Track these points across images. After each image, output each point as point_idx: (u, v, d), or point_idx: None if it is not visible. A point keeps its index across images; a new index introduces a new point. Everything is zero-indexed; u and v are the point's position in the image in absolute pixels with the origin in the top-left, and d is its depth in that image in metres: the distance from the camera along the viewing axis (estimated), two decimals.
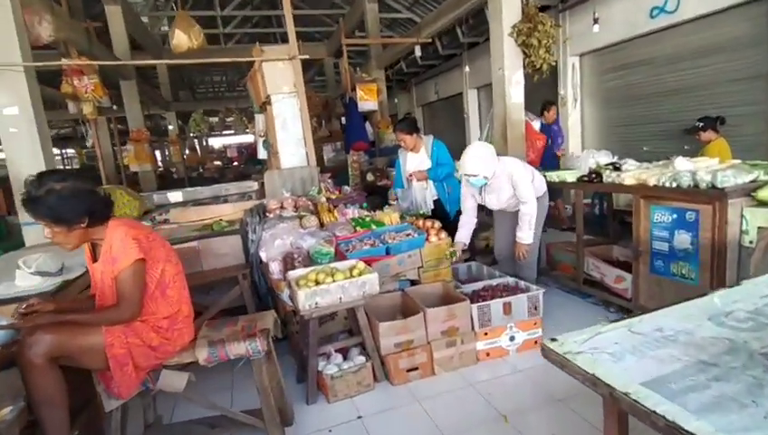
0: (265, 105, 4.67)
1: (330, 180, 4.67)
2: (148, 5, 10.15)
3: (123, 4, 7.50)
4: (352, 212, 3.65)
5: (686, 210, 2.73)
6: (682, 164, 2.93)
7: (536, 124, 5.39)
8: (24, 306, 1.78)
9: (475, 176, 3.14)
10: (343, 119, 8.10)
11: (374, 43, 8.42)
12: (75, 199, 1.71)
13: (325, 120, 9.62)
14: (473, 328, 2.86)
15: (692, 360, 1.17)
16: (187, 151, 17.36)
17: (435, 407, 2.50)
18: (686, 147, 5.41)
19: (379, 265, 3.03)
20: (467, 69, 9.03)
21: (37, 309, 1.79)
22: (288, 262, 2.99)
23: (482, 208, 3.58)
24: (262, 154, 5.66)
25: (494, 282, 3.27)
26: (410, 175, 3.96)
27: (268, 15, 11.63)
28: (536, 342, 2.98)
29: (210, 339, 2.06)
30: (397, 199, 4.06)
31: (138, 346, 1.82)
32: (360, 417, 2.46)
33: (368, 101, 6.87)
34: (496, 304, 2.88)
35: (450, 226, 3.59)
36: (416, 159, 3.98)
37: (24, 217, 3.11)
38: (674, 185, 2.79)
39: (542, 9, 5.06)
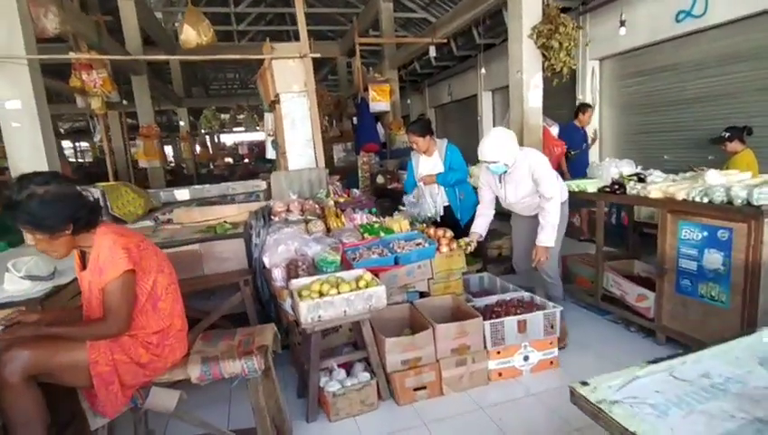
0: (274, 104, 4.54)
1: (338, 183, 4.53)
2: (161, 0, 10.11)
3: None
4: (360, 218, 3.50)
5: (718, 228, 2.54)
6: (714, 178, 2.73)
7: (554, 130, 5.20)
8: (6, 320, 1.65)
9: (494, 163, 2.96)
10: (355, 119, 7.97)
11: (388, 42, 8.27)
12: (58, 205, 1.58)
13: (336, 119, 9.51)
14: (485, 346, 2.69)
15: (748, 417, 1.00)
16: (198, 148, 17.38)
17: (442, 431, 2.34)
18: (710, 157, 5.19)
19: (387, 276, 2.89)
20: (483, 71, 8.83)
21: (19, 320, 1.67)
22: (292, 269, 2.85)
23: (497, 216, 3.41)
24: (270, 154, 5.54)
25: (507, 296, 3.10)
26: (421, 178, 3.81)
27: (282, 13, 11.54)
28: (552, 362, 2.81)
29: (204, 355, 1.92)
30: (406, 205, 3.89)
31: (124, 363, 1.69)
32: None
33: (380, 101, 6.72)
34: (510, 322, 2.71)
35: (462, 235, 3.43)
36: (428, 162, 3.83)
37: None
38: (705, 200, 2.60)
39: (563, 10, 4.87)
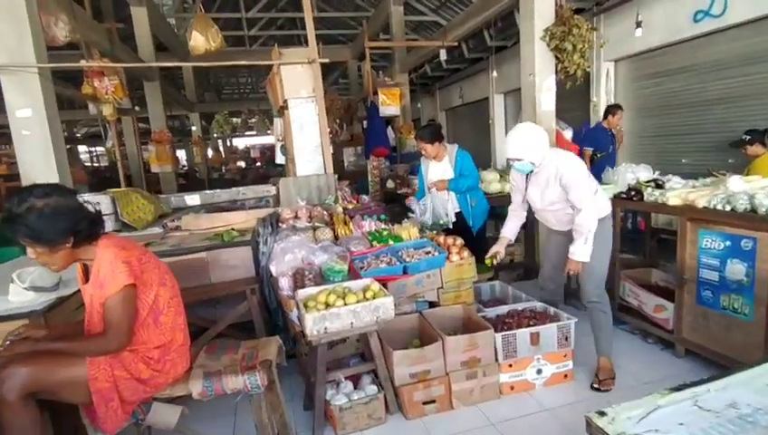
0: (283, 109, 4.51)
1: (347, 188, 4.48)
2: (174, 7, 10.20)
3: (149, 5, 7.50)
4: (369, 225, 3.45)
5: (742, 237, 2.43)
6: (736, 184, 2.62)
7: (567, 133, 5.09)
8: (14, 335, 1.63)
9: (518, 160, 2.61)
10: (365, 123, 7.93)
11: (398, 46, 8.22)
12: (57, 218, 1.55)
13: (347, 123, 9.48)
14: (496, 359, 2.62)
15: None
16: (210, 152, 17.53)
17: None
18: (730, 160, 5.03)
19: (396, 286, 2.83)
20: (494, 74, 8.72)
21: (28, 336, 1.65)
22: (298, 278, 2.80)
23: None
24: (280, 159, 5.51)
25: (519, 306, 3.02)
26: (431, 184, 3.74)
27: (293, 18, 11.58)
28: (566, 376, 2.72)
29: (207, 370, 1.88)
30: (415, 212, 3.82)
31: (124, 379, 1.65)
32: None
33: (390, 105, 6.65)
34: (523, 334, 2.63)
35: (473, 242, 3.35)
36: (438, 168, 3.76)
37: None
38: (727, 208, 2.50)
39: (577, 12, 4.77)
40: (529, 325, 2.73)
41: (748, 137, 4.23)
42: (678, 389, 1.15)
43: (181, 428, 1.86)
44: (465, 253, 3.03)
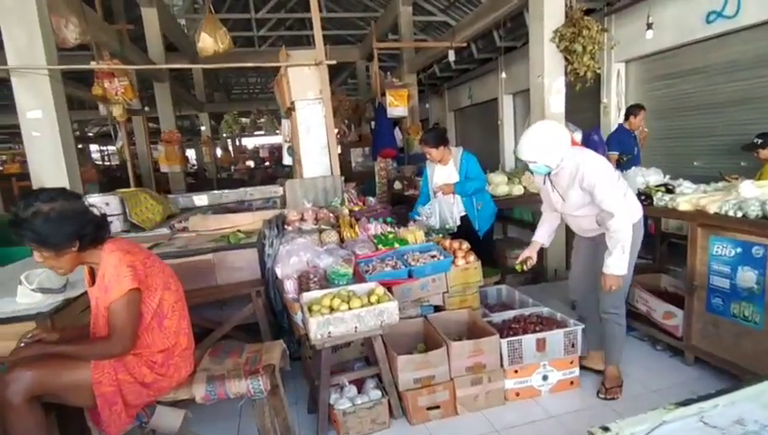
0: (290, 111, 4.52)
1: (353, 190, 4.47)
2: (184, 7, 10.27)
3: (159, 6, 7.55)
4: (375, 228, 3.43)
5: (753, 244, 2.38)
6: (749, 190, 2.57)
7: (577, 136, 5.01)
8: (28, 338, 1.64)
9: (532, 162, 2.42)
10: (373, 123, 7.92)
11: (407, 47, 8.20)
12: (63, 222, 1.56)
13: (355, 123, 9.48)
14: (501, 365, 2.59)
15: None
16: (219, 151, 17.64)
17: None
18: (742, 163, 4.96)
19: (401, 289, 2.82)
20: (503, 75, 8.67)
21: (41, 339, 1.66)
22: (303, 281, 2.80)
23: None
24: (287, 160, 5.52)
25: (526, 312, 2.99)
26: (437, 187, 3.72)
27: (302, 18, 11.60)
28: (572, 382, 2.69)
29: (210, 373, 1.88)
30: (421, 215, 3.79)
31: (128, 383, 1.66)
32: None
33: (397, 106, 6.64)
34: (529, 340, 2.60)
35: (479, 246, 3.32)
36: (444, 171, 3.74)
37: None
38: (739, 214, 2.45)
39: (587, 12, 4.72)
40: (535, 331, 2.70)
41: (760, 140, 4.17)
42: (685, 403, 1.13)
43: (184, 431, 1.87)
44: (471, 257, 3.01)
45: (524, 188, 4.63)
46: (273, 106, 13.92)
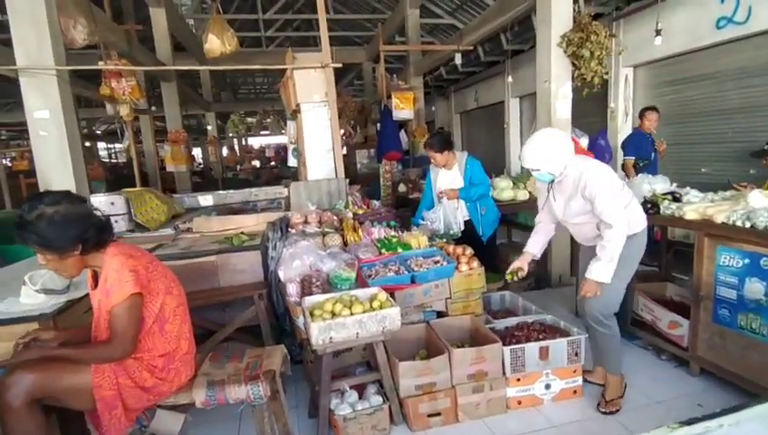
0: (296, 113, 4.53)
1: (357, 193, 4.47)
2: (192, 7, 10.32)
3: (168, 6, 7.59)
4: (378, 232, 3.43)
5: (762, 256, 2.35)
6: (757, 200, 2.54)
7: (584, 141, 4.99)
8: (23, 340, 1.65)
9: (537, 170, 2.40)
10: (379, 125, 7.92)
11: (413, 49, 8.19)
12: (67, 225, 1.57)
13: (361, 125, 9.48)
14: (504, 373, 2.57)
15: None
16: (225, 151, 17.71)
17: None
18: (751, 171, 4.91)
19: (403, 295, 2.81)
20: (510, 79, 8.65)
21: (36, 337, 1.66)
22: (306, 285, 2.79)
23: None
24: (292, 162, 5.53)
25: (529, 319, 2.97)
26: (441, 193, 3.70)
27: (309, 19, 11.63)
28: (575, 392, 2.67)
29: (210, 378, 1.88)
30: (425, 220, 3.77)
31: (129, 388, 1.66)
32: None
33: (403, 109, 6.63)
34: (532, 348, 2.58)
35: (482, 251, 3.31)
36: (448, 175, 3.72)
37: None
38: (747, 225, 2.42)
39: (595, 17, 4.68)
40: (538, 339, 2.68)
41: None
42: (690, 422, 1.10)
43: None
44: (475, 263, 2.99)
45: (530, 193, 4.61)
46: (280, 106, 13.96)
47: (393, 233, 3.44)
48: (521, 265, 2.72)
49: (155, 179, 8.69)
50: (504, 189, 4.58)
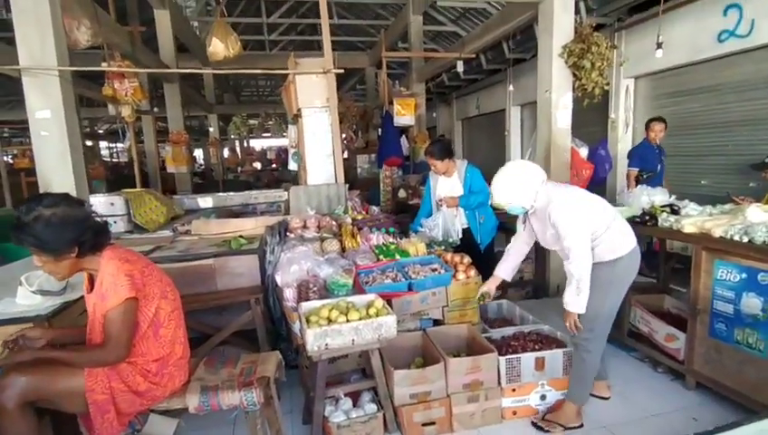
0: (297, 117, 4.54)
1: (357, 199, 4.47)
2: (197, 10, 10.35)
3: (172, 8, 7.62)
4: (377, 238, 3.43)
5: (759, 271, 2.35)
6: (756, 215, 2.54)
7: (583, 151, 5.00)
8: (11, 341, 1.64)
9: (508, 204, 2.40)
10: (380, 130, 7.94)
11: (416, 56, 8.22)
12: (64, 228, 1.57)
13: (362, 130, 9.50)
14: (499, 383, 2.57)
15: None
16: (227, 152, 17.72)
17: None
18: (751, 184, 4.92)
19: (400, 302, 2.81)
20: (511, 88, 8.67)
21: (24, 334, 1.66)
22: (303, 290, 2.79)
23: None
24: (292, 166, 5.54)
25: (526, 329, 2.96)
26: (440, 200, 3.71)
27: (313, 24, 11.67)
28: None
29: (204, 383, 1.87)
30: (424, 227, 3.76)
31: (122, 392, 1.66)
32: None
33: (405, 115, 6.65)
34: (528, 359, 2.58)
35: (480, 259, 3.30)
36: (447, 183, 3.73)
37: None
38: (745, 240, 2.42)
39: (597, 28, 4.70)
40: (535, 349, 2.68)
41: None
42: None
43: None
44: (472, 272, 2.99)
45: None
46: (282, 110, 13.99)
47: (391, 239, 3.45)
48: (488, 288, 2.72)
49: (155, 180, 8.69)
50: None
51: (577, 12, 4.38)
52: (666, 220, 2.93)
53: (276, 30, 11.75)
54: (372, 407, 2.48)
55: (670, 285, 3.69)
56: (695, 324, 2.71)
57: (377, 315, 2.36)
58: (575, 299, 2.30)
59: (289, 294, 2.83)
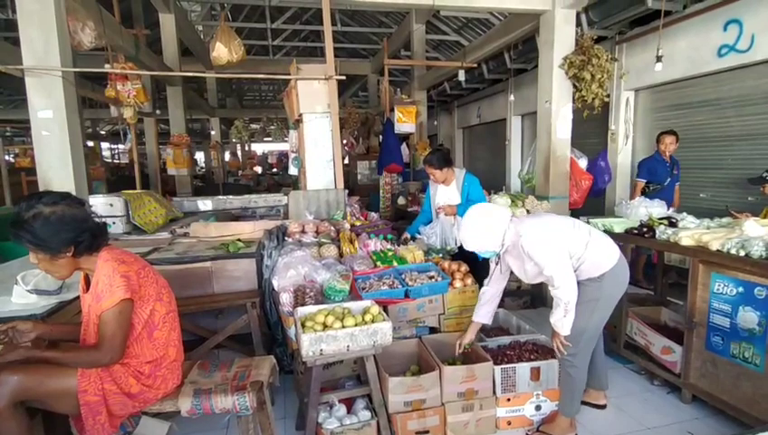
0: (298, 122, 4.56)
1: (356, 205, 4.48)
2: (202, 15, 10.43)
3: (177, 12, 7.68)
4: (374, 244, 3.43)
5: (756, 285, 2.35)
6: (753, 229, 2.54)
7: (582, 162, 5.03)
8: (1, 328, 1.63)
9: (479, 250, 2.40)
10: (381, 137, 7.96)
11: (417, 64, 8.28)
12: (61, 227, 1.57)
13: (363, 136, 9.52)
14: (494, 392, 2.55)
15: None
16: (228, 156, 17.76)
17: None
18: (749, 198, 4.92)
19: (397, 309, 2.81)
20: (512, 98, 8.72)
21: (14, 326, 1.65)
22: (299, 295, 2.79)
23: None
24: (293, 170, 5.55)
25: (522, 338, 2.95)
26: (439, 208, 3.71)
27: (316, 30, 11.76)
28: None
29: (197, 387, 1.87)
30: (413, 239, 3.76)
31: (114, 393, 1.65)
32: None
33: (406, 123, 6.68)
34: (523, 369, 2.57)
35: (477, 268, 3.30)
36: (446, 192, 3.73)
37: None
38: (742, 253, 2.42)
39: (598, 40, 4.74)
40: (530, 359, 2.67)
41: None
42: None
43: None
44: (469, 280, 2.99)
45: (527, 211, 4.61)
46: (284, 114, 14.05)
47: (389, 246, 3.45)
48: (469, 338, 2.69)
49: (155, 182, 8.71)
50: (503, 207, 4.58)
51: (578, 24, 4.41)
52: (663, 233, 2.93)
53: (280, 36, 11.83)
54: (366, 414, 2.47)
55: (667, 298, 3.69)
56: (691, 337, 2.70)
57: (373, 322, 2.35)
58: (563, 321, 2.32)
59: (285, 299, 2.83)
